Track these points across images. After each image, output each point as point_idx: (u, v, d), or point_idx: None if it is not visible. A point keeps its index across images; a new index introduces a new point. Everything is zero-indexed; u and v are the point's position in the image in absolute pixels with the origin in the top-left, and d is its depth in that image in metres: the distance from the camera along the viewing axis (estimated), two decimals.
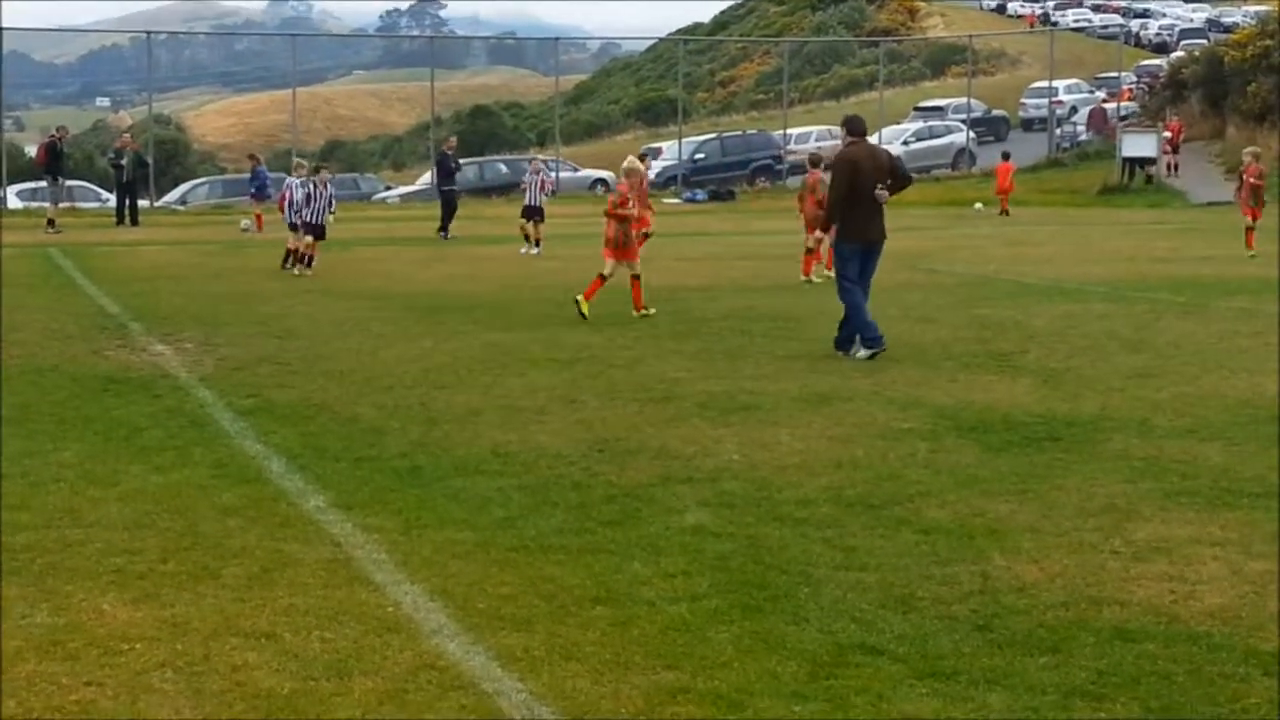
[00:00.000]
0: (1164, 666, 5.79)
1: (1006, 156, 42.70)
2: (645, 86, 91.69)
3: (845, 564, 7.20)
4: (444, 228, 32.84)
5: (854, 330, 14.22)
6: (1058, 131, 57.06)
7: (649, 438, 10.29)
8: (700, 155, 54.19)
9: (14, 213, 43.30)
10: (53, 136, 37.85)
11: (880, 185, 14.19)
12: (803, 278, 21.50)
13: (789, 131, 56.22)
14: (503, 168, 54.32)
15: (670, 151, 54.75)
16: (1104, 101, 61.80)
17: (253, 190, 38.14)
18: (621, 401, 11.72)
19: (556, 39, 64.45)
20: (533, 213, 28.26)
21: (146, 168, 42.96)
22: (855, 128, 14.74)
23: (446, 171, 34.18)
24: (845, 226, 14.39)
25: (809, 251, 21.08)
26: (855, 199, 14.15)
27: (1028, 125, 63.59)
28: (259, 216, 35.95)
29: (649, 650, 5.99)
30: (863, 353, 13.96)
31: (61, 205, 36.13)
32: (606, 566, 7.18)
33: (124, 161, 38.10)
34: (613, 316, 17.10)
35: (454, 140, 37.84)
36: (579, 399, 11.84)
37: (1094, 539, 7.66)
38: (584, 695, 5.53)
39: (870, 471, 9.22)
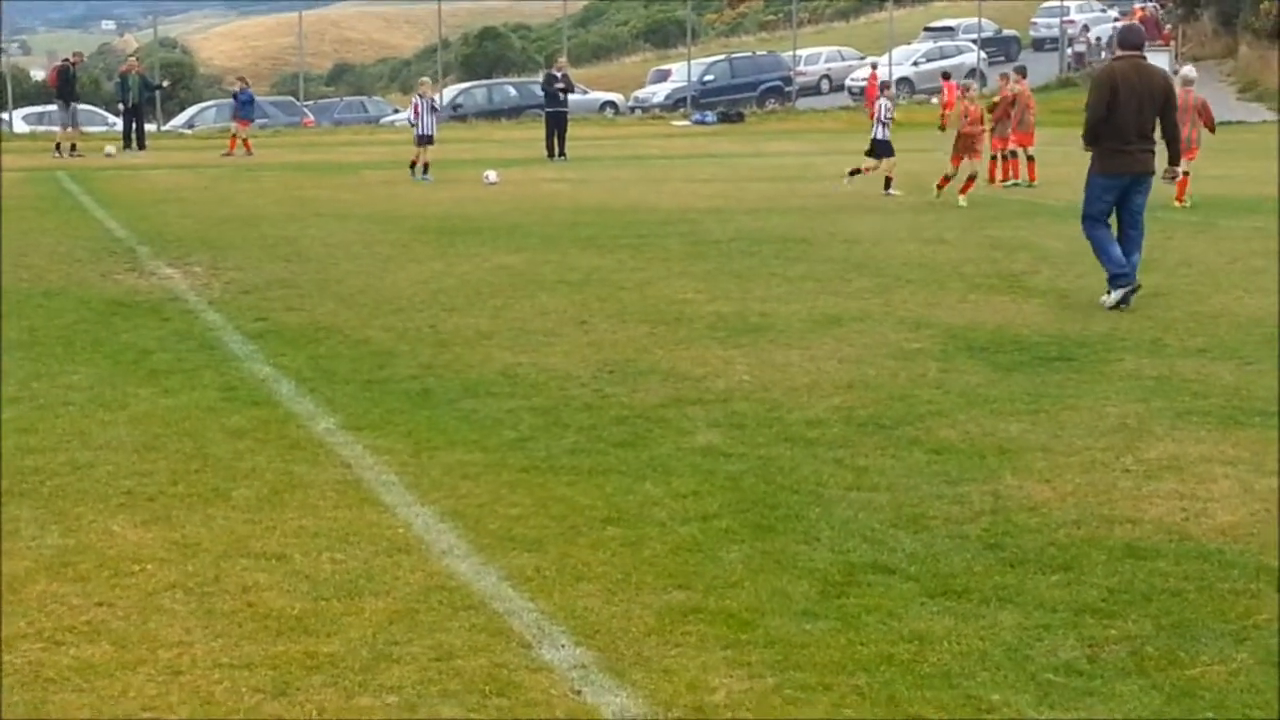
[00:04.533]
0: (1175, 584, 5.78)
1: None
2: (654, 8, 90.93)
3: (856, 484, 7.18)
4: (556, 149, 32.65)
5: (1109, 268, 12.48)
6: (1069, 51, 56.57)
7: (659, 359, 10.26)
8: (709, 77, 53.89)
9: (20, 137, 43.24)
10: (66, 61, 37.68)
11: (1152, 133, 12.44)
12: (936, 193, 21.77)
13: (798, 53, 55.87)
14: (511, 90, 54.02)
15: (679, 74, 54.43)
16: (1116, 21, 61.25)
17: (238, 111, 37.62)
18: (632, 323, 11.69)
19: None
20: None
21: (154, 90, 42.75)
22: (1126, 39, 12.99)
23: (553, 92, 33.67)
24: (1100, 155, 12.58)
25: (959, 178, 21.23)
26: (1114, 123, 12.31)
27: (1039, 45, 63.04)
28: (242, 140, 35.61)
29: (660, 570, 5.98)
30: (1111, 297, 12.30)
31: (72, 129, 35.96)
32: (618, 487, 7.17)
33: (130, 86, 37.90)
34: (623, 239, 17.04)
35: (563, 60, 37.47)
36: (589, 321, 11.81)
37: (1105, 458, 7.63)
38: (595, 615, 5.52)
39: (881, 392, 9.18)
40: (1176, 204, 19.73)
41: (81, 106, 38.86)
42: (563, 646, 5.24)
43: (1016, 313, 12.05)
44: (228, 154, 34.74)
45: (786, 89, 53.74)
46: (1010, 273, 14.26)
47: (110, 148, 35.58)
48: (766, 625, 5.40)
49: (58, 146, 34.94)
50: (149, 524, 6.64)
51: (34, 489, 7.19)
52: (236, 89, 38.47)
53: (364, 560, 6.14)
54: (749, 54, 59.02)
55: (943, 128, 39.40)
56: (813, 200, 21.68)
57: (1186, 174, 20.48)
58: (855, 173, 23.29)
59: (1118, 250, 12.41)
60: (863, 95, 53.38)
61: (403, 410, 8.82)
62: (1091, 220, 12.63)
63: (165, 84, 43.52)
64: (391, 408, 8.88)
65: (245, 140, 35.73)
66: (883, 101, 23.83)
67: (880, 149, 23.09)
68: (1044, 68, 53.61)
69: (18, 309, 12.52)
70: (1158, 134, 12.53)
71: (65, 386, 9.47)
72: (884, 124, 23.11)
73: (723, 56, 58.60)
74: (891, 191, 22.60)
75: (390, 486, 7.24)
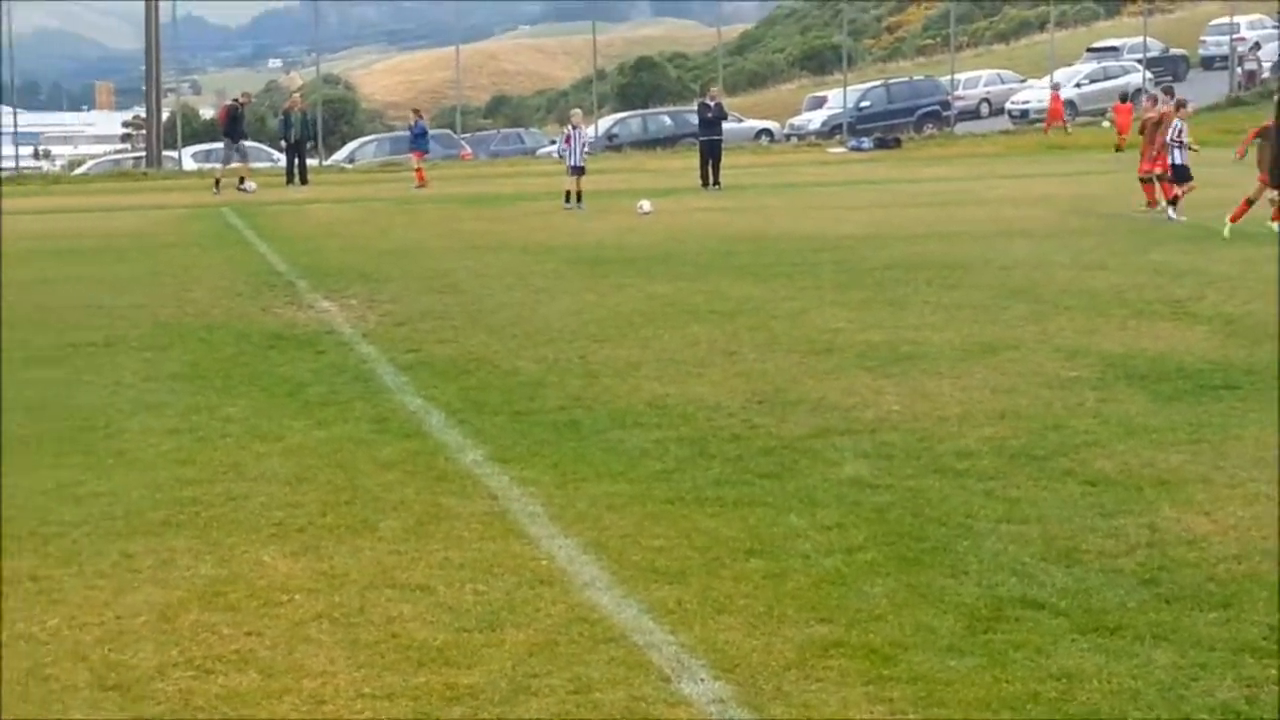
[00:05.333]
0: None
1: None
2: (811, 35, 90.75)
3: (1007, 516, 7.04)
4: (710, 178, 32.74)
5: None
6: (1240, 70, 55.33)
7: (809, 389, 10.18)
8: (865, 103, 53.52)
9: (188, 174, 44.30)
10: (235, 101, 38.56)
11: None
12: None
13: (957, 76, 55.36)
14: (666, 119, 54.18)
15: (835, 100, 54.23)
16: None
17: (414, 144, 38.22)
18: (782, 353, 11.61)
19: None
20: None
21: (312, 128, 43.44)
22: None
23: (706, 120, 33.79)
24: None
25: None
26: None
27: (1208, 63, 61.64)
28: (419, 171, 36.22)
29: (802, 603, 5.91)
30: None
31: (234, 165, 36.75)
32: (762, 519, 7.11)
33: (292, 122, 38.66)
34: (776, 267, 16.97)
35: (716, 89, 37.56)
36: (739, 351, 11.76)
37: (1270, 490, 7.40)
38: (735, 648, 5.47)
39: (1035, 422, 9.01)
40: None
41: (246, 144, 39.66)
42: (702, 680, 5.19)
43: (1179, 340, 11.76)
44: (420, 186, 35.23)
45: (944, 114, 53.19)
46: (1174, 298, 13.93)
47: (250, 183, 36.26)
48: (910, 660, 5.30)
49: (217, 183, 35.65)
50: (298, 555, 6.72)
51: (190, 520, 7.32)
52: (411, 122, 39.02)
53: (506, 592, 6.15)
54: (905, 79, 58.49)
55: (1119, 148, 38.73)
56: (970, 226, 21.40)
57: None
58: (1174, 201, 22.22)
59: None
60: (1024, 118, 52.89)
61: (550, 441, 8.83)
62: None
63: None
64: (539, 439, 8.91)
65: (419, 170, 36.27)
66: (1178, 123, 22.43)
67: (1181, 173, 22.16)
68: (1214, 87, 52.52)
69: (180, 342, 12.82)
70: None
71: (223, 419, 9.64)
72: (1180, 146, 22.03)
73: (879, 82, 58.18)
74: (1175, 216, 21.74)
75: (535, 518, 7.26)
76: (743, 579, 6.23)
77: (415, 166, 36.95)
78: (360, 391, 10.48)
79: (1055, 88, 49.96)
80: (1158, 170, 22.75)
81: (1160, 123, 22.91)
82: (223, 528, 7.17)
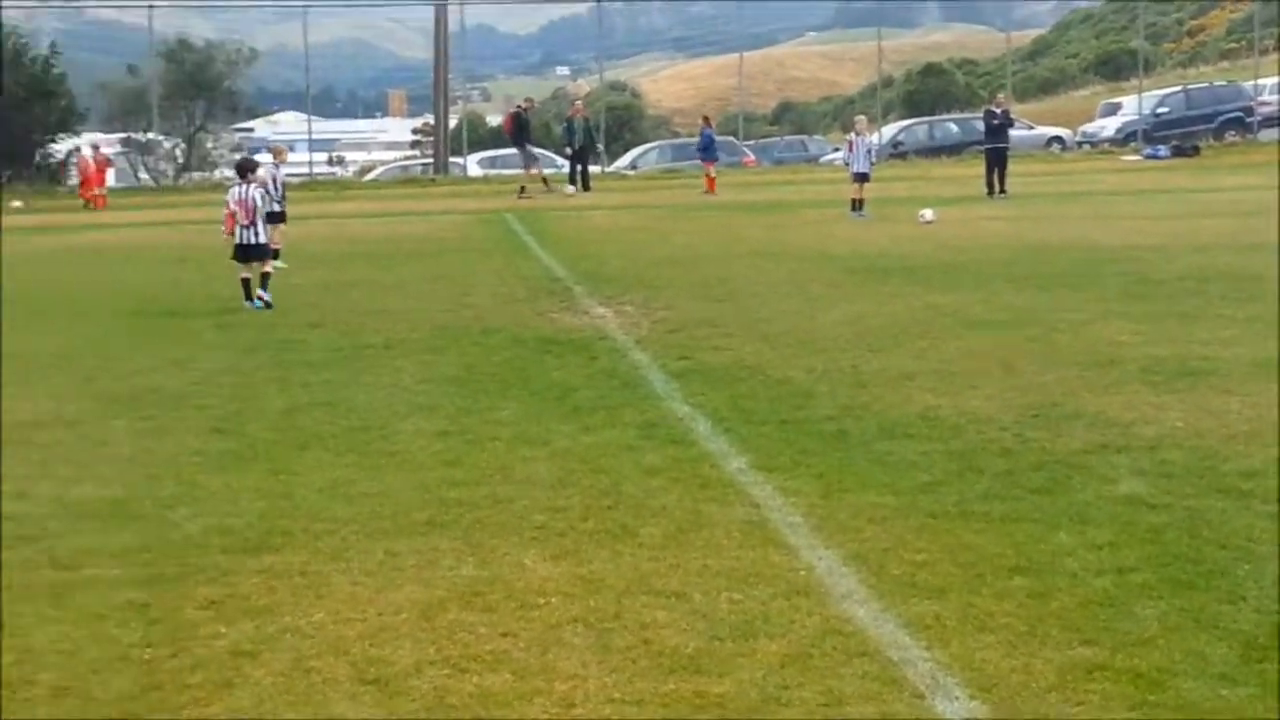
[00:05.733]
0: None
1: None
2: (1107, 39, 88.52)
3: None
4: (997, 186, 32.35)
5: None
6: None
7: (1086, 404, 9.87)
8: (1163, 109, 51.92)
9: (474, 180, 45.37)
10: (519, 107, 39.33)
11: None
12: None
13: (1261, 81, 53.29)
14: (953, 127, 53.47)
15: (1130, 106, 52.75)
16: None
17: (702, 153, 38.47)
18: (1061, 366, 11.29)
19: None
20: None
21: (595, 134, 44.04)
22: None
23: (992, 127, 33.43)
24: None
25: None
26: None
27: None
28: (709, 179, 36.41)
29: (1067, 624, 5.71)
30: None
31: (538, 170, 37.48)
32: (1029, 535, 6.91)
33: (575, 129, 39.22)
34: (1060, 278, 16.55)
35: (1002, 95, 37.16)
36: (1016, 363, 11.47)
37: None
38: (993, 667, 5.31)
39: None
40: None
41: (536, 150, 40.44)
42: (957, 699, 5.06)
43: None
44: (708, 192, 35.50)
45: (1247, 120, 51.28)
46: None
47: (570, 188, 36.91)
48: (1178, 687, 5.08)
49: (521, 189, 36.35)
50: (558, 558, 6.77)
51: (455, 520, 7.44)
52: (700, 130, 39.29)
53: (762, 601, 6.09)
54: (1206, 84, 56.58)
55: None
56: (1269, 237, 20.51)
57: None
58: None
59: None
60: None
61: (816, 451, 8.74)
62: None
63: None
64: (805, 448, 8.82)
65: (709, 178, 36.49)
66: None
67: None
68: None
69: (456, 345, 13.10)
70: None
71: (494, 422, 9.80)
72: None
73: (1178, 88, 56.41)
74: None
75: (796, 528, 7.18)
76: (1005, 596, 6.06)
77: (707, 174, 37.11)
78: (629, 397, 10.54)
79: None
80: None
81: None
82: (486, 529, 7.27)
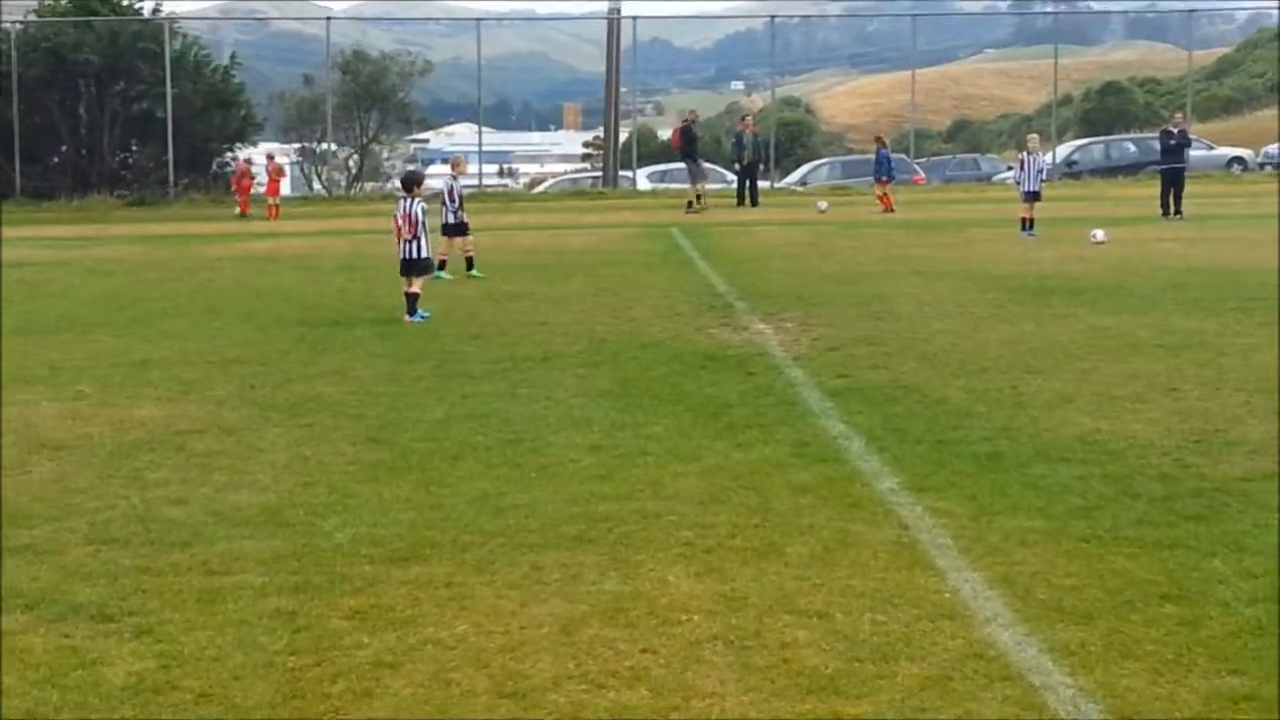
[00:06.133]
0: None
1: None
2: None
3: None
4: (1172, 207, 31.84)
5: None
6: None
7: (1251, 430, 9.65)
8: None
9: (642, 194, 45.58)
10: (686, 120, 39.44)
11: None
12: None
13: None
14: (1130, 146, 52.54)
15: None
16: None
17: (875, 171, 38.20)
18: (1227, 391, 11.06)
19: (1191, 11, 61.48)
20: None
21: (765, 150, 43.94)
22: None
23: (1168, 147, 32.93)
24: None
25: None
26: None
27: None
28: (882, 198, 36.13)
29: (1215, 653, 5.61)
30: None
31: (702, 185, 37.55)
32: (1182, 562, 6.78)
33: (745, 144, 39.20)
34: (1232, 301, 16.19)
35: (1179, 115, 36.47)
36: (1180, 387, 11.26)
37: None
38: (1136, 696, 5.23)
39: None
40: None
41: (704, 165, 40.44)
42: None
43: None
44: (885, 211, 35.34)
45: None
46: None
47: (823, 203, 37.00)
48: None
49: (689, 204, 36.45)
50: (702, 575, 6.79)
51: (601, 535, 7.49)
52: (876, 149, 39.08)
53: (905, 623, 6.06)
54: None
55: None
56: None
57: None
58: None
59: None
60: None
61: (969, 473, 8.66)
62: None
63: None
64: (958, 470, 8.74)
65: (882, 197, 36.23)
66: None
67: None
68: None
69: (614, 359, 13.17)
70: None
71: (646, 437, 9.84)
72: None
73: None
74: None
75: (944, 550, 7.12)
76: (1153, 624, 5.96)
77: (879, 194, 36.79)
78: (784, 415, 10.52)
79: None
80: None
81: None
82: (632, 545, 7.30)
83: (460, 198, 21.12)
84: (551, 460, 9.19)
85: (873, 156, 39.58)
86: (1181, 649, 5.67)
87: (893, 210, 35.19)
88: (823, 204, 36.83)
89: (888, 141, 40.85)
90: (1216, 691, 5.25)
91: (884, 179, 37.12)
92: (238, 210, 40.57)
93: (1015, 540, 7.23)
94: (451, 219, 20.86)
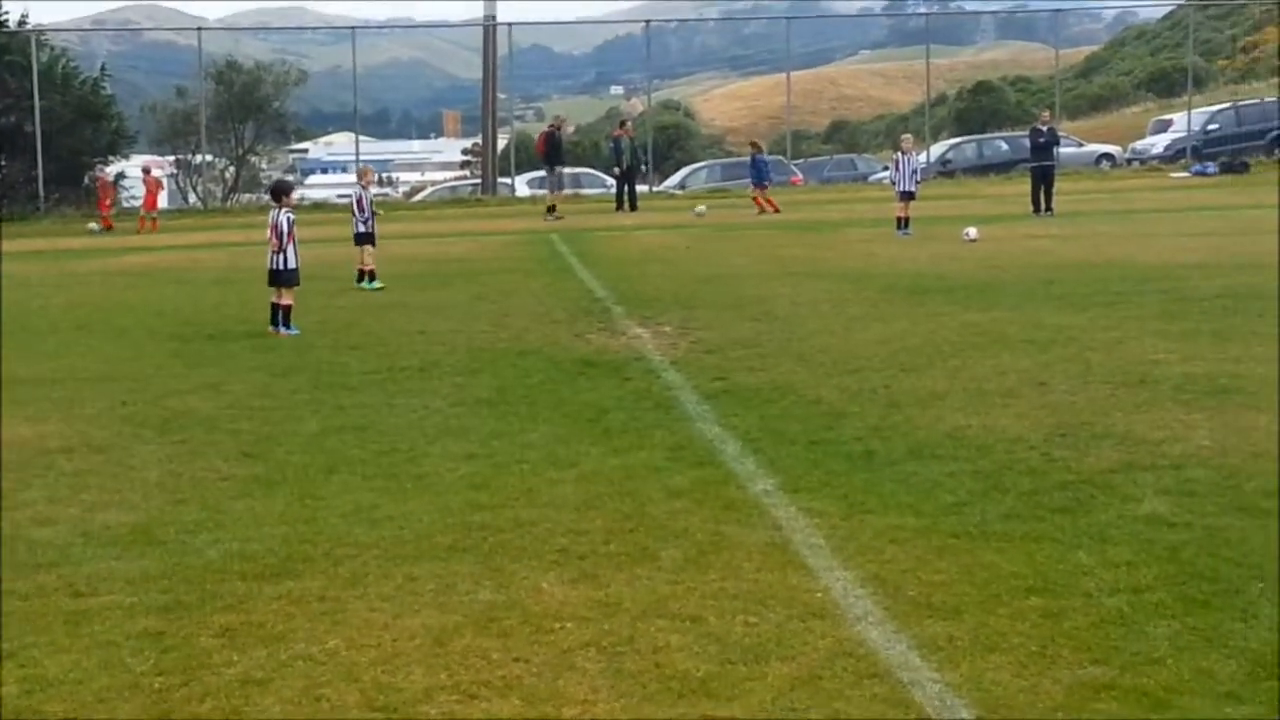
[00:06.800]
0: None
1: None
2: (1161, 56, 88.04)
3: None
4: (1043, 204, 32.25)
5: None
6: None
7: (1116, 422, 9.85)
8: (1213, 126, 51.57)
9: (521, 200, 45.55)
10: (551, 126, 39.43)
11: None
12: None
13: None
14: (1002, 145, 53.31)
15: (1181, 123, 52.46)
16: None
17: (752, 176, 38.43)
18: (1094, 384, 11.27)
19: (1057, 10, 62.52)
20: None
21: (643, 154, 43.99)
22: None
23: (1038, 145, 33.35)
24: None
25: None
26: None
27: None
28: (756, 199, 36.33)
29: (1078, 644, 5.72)
30: None
31: (562, 193, 37.53)
32: (1049, 555, 6.91)
33: (623, 149, 39.30)
34: (1098, 296, 16.49)
35: (1048, 113, 36.96)
36: (1049, 381, 11.45)
37: None
38: (1001, 689, 5.32)
39: None
40: None
41: (577, 170, 40.45)
42: None
43: None
44: (761, 212, 35.54)
45: None
46: None
47: (701, 207, 37.03)
48: (1183, 706, 5.08)
49: (549, 209, 36.47)
50: (576, 582, 6.80)
51: (476, 545, 7.48)
52: (751, 154, 39.29)
53: (777, 624, 6.11)
54: (1257, 100, 56.14)
55: None
56: None
57: None
58: None
59: None
60: None
61: (843, 472, 8.76)
62: None
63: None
64: (832, 469, 8.84)
65: (758, 199, 36.38)
66: None
67: None
68: None
69: (491, 367, 13.16)
70: None
71: (522, 444, 9.84)
72: None
73: (1228, 104, 56.01)
74: None
75: (817, 549, 7.19)
76: (1019, 617, 6.06)
77: (757, 198, 36.93)
78: (660, 419, 10.57)
79: None
80: None
81: None
82: (507, 553, 7.30)
83: (371, 207, 21.05)
84: (427, 470, 9.16)
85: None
86: (1046, 641, 5.77)
87: (778, 210, 35.44)
88: (700, 208, 36.98)
89: (764, 146, 41.12)
90: (1079, 682, 5.35)
91: (763, 184, 37.36)
92: (100, 225, 39.98)
93: (886, 538, 7.32)
94: (362, 228, 20.87)
